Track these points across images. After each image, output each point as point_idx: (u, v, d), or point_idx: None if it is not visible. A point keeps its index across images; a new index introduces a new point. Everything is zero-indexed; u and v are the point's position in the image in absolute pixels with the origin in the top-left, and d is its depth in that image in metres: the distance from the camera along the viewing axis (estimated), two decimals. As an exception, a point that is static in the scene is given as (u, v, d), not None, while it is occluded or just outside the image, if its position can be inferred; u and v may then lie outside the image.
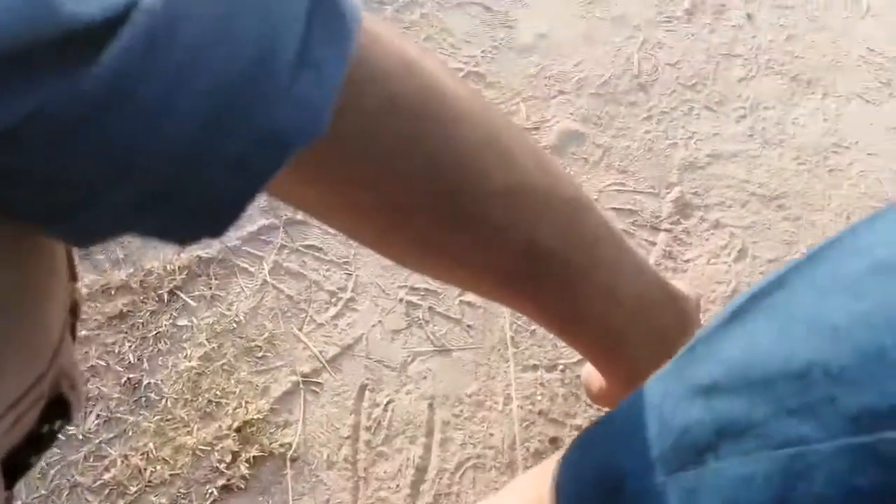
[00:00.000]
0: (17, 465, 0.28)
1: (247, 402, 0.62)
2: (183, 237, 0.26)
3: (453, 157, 0.31)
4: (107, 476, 0.56)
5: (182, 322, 0.66)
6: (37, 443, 0.28)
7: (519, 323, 0.69)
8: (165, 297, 0.67)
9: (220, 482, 0.58)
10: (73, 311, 0.31)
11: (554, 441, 0.63)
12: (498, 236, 0.35)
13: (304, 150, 0.24)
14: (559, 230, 0.37)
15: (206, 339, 0.65)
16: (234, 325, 0.66)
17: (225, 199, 0.24)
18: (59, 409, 0.29)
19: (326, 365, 0.66)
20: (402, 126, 0.29)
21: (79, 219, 0.22)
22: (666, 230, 0.76)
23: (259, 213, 0.73)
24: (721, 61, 0.90)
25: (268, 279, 0.69)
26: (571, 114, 0.84)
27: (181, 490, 0.58)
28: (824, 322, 0.24)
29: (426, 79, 0.30)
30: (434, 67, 0.32)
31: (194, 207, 0.23)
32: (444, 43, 0.89)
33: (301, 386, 0.64)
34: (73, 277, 0.31)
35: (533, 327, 0.69)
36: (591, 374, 0.55)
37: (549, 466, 0.41)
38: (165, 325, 0.65)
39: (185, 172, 0.22)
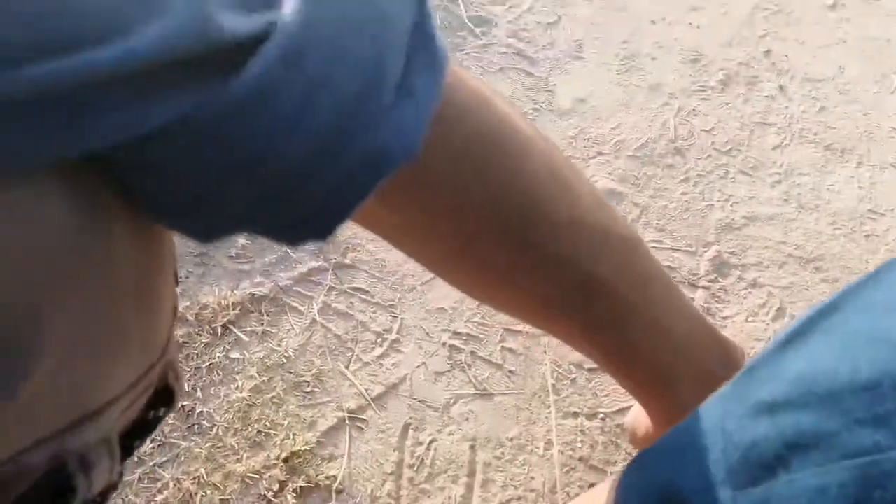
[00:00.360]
0: (123, 447, 0.30)
1: (294, 435, 0.63)
2: (291, 238, 0.28)
3: (523, 188, 0.34)
4: (159, 498, 0.58)
5: (234, 355, 0.68)
6: (142, 428, 0.30)
7: (560, 370, 0.70)
8: (219, 330, 0.69)
9: (266, 512, 0.59)
10: (174, 311, 0.34)
11: (594, 487, 0.64)
12: (559, 266, 0.37)
13: (396, 173, 0.27)
14: (616, 265, 0.39)
15: (257, 373, 0.67)
16: (284, 361, 0.69)
17: (330, 208, 0.26)
18: (164, 397, 0.31)
19: (372, 402, 0.67)
20: (480, 158, 0.32)
21: (203, 211, 0.25)
22: (704, 287, 0.78)
23: (310, 256, 0.76)
24: (755, 129, 0.93)
25: (317, 318, 0.72)
26: (610, 174, 0.87)
27: (227, 518, 0.59)
28: (886, 338, 0.26)
29: (500, 116, 0.33)
30: (505, 106, 0.35)
31: (302, 212, 0.26)
32: (489, 104, 0.94)
33: (347, 422, 0.66)
34: (176, 281, 0.34)
35: (574, 375, 0.70)
36: (637, 418, 0.56)
37: (600, 492, 0.42)
38: (219, 357, 0.68)
39: (300, 178, 0.25)
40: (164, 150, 0.22)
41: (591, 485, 0.64)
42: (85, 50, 0.18)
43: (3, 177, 0.19)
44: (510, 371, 0.70)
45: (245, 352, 0.69)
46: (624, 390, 0.57)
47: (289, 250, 0.75)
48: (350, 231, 0.77)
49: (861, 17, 1.10)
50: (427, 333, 0.72)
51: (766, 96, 0.98)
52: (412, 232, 0.36)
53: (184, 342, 0.68)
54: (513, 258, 0.37)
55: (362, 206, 0.27)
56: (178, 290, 0.35)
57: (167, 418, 0.38)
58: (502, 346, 0.71)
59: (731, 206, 0.85)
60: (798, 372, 0.29)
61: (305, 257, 0.76)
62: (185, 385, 0.66)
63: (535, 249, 0.37)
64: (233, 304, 0.71)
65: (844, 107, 0.97)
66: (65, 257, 0.21)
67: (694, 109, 0.95)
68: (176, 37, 0.19)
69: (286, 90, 0.22)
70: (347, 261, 0.76)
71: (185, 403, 0.65)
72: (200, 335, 0.69)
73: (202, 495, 0.59)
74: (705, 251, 0.80)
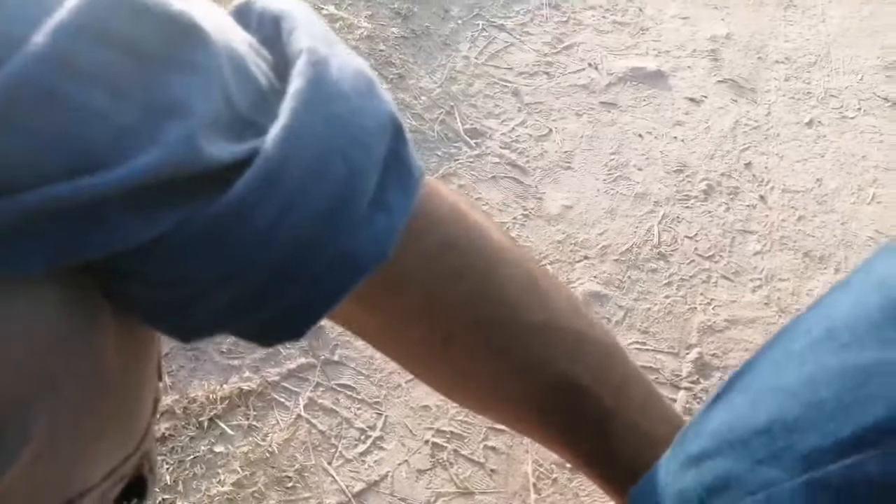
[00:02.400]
0: None
1: (272, 530, 0.63)
2: (265, 339, 0.30)
3: (495, 292, 0.36)
4: (131, 592, 0.57)
5: (219, 449, 0.69)
6: None
7: (541, 470, 0.70)
8: (206, 423, 0.70)
9: None
10: (155, 407, 0.35)
11: (574, 591, 0.63)
12: (534, 370, 0.38)
13: (372, 277, 0.29)
14: (592, 369, 0.40)
15: (240, 467, 0.68)
16: (268, 455, 0.69)
17: (305, 311, 0.29)
18: (137, 488, 0.32)
19: (353, 499, 0.67)
20: (453, 263, 0.34)
21: (183, 314, 0.27)
22: (686, 389, 0.79)
23: (299, 353, 0.78)
24: (736, 236, 0.96)
25: (302, 414, 0.73)
26: (595, 277, 0.90)
27: None
28: (781, 388, 0.30)
29: (473, 225, 0.36)
30: (480, 217, 0.37)
31: (279, 314, 0.28)
32: (479, 209, 0.98)
33: (326, 518, 0.65)
34: (160, 376, 0.36)
35: (555, 475, 0.70)
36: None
37: None
38: (203, 451, 0.68)
39: (278, 283, 0.27)
40: (151, 260, 0.25)
41: (572, 588, 0.63)
42: (83, 175, 0.21)
43: (4, 284, 0.22)
44: (492, 470, 0.70)
45: (230, 446, 0.70)
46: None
47: (279, 347, 0.77)
48: (339, 329, 0.79)
49: (836, 134, 1.16)
50: (410, 431, 0.73)
51: (747, 205, 1.01)
52: (388, 334, 0.38)
53: (170, 435, 0.69)
54: (487, 362, 0.38)
55: (335, 308, 0.29)
56: (161, 384, 0.37)
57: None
58: (485, 445, 0.72)
59: (713, 309, 0.87)
60: (719, 424, 0.32)
61: (294, 353, 0.78)
62: (168, 478, 0.66)
63: (509, 353, 0.38)
64: (221, 398, 0.73)
65: (823, 216, 1.00)
66: (54, 356, 0.24)
67: (678, 217, 0.99)
68: (167, 163, 0.22)
69: (264, 206, 0.25)
70: (335, 357, 0.78)
71: (165, 497, 0.65)
72: (187, 428, 0.70)
73: (175, 590, 0.58)
74: (688, 353, 0.82)
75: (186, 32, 0.23)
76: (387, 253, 0.29)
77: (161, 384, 0.36)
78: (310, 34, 0.26)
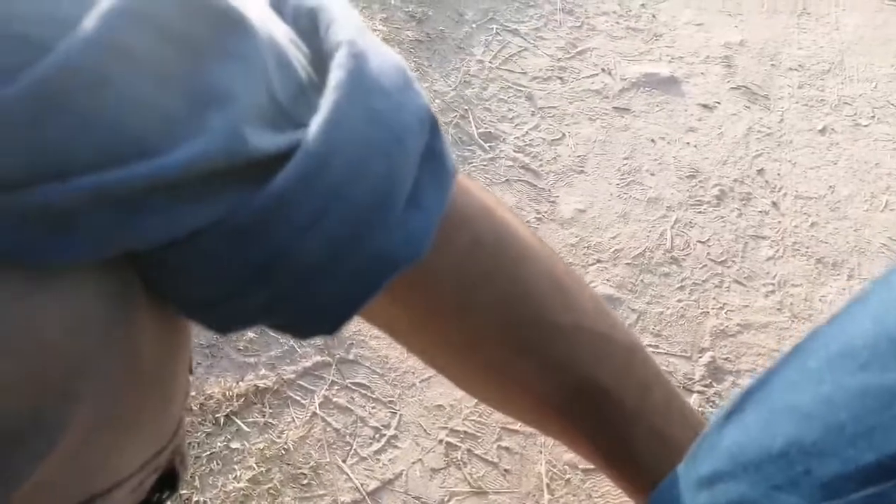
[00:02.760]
0: None
1: (288, 526, 0.64)
2: (301, 332, 0.30)
3: (523, 292, 0.36)
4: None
5: (235, 445, 0.70)
6: None
7: (555, 470, 0.71)
8: (222, 420, 0.71)
9: None
10: (185, 398, 0.36)
11: (586, 591, 0.63)
12: (560, 370, 0.38)
13: (404, 274, 0.29)
14: (616, 372, 0.40)
15: (256, 463, 0.69)
16: (283, 452, 0.70)
17: (339, 306, 0.29)
18: (169, 480, 0.33)
19: (367, 497, 0.68)
20: (483, 261, 0.35)
21: (223, 308, 0.28)
22: (699, 392, 0.79)
23: (314, 351, 0.79)
24: (749, 242, 0.97)
25: (317, 412, 0.74)
26: (608, 280, 0.90)
27: None
28: (796, 408, 0.29)
29: (503, 224, 0.36)
30: (508, 215, 0.37)
31: (313, 308, 0.29)
32: (493, 212, 0.98)
33: (341, 515, 0.66)
34: (190, 370, 0.36)
35: (568, 475, 0.71)
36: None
37: None
38: (219, 447, 0.69)
39: (314, 279, 0.27)
40: (192, 251, 0.25)
41: (584, 588, 0.63)
42: (134, 162, 0.21)
43: (48, 271, 0.22)
44: (505, 469, 0.71)
45: (245, 442, 0.70)
46: (619, 490, 0.57)
47: (294, 345, 0.78)
48: (354, 327, 0.80)
49: (849, 141, 1.16)
50: (425, 430, 0.73)
51: (760, 211, 1.02)
52: (417, 330, 0.38)
53: (187, 431, 0.70)
54: (515, 360, 0.38)
55: (369, 303, 0.29)
56: (191, 378, 0.37)
57: (168, 503, 0.40)
58: (499, 445, 0.72)
59: (726, 313, 0.87)
60: (731, 445, 0.32)
61: (310, 352, 0.79)
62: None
63: (536, 353, 0.38)
64: (237, 395, 0.73)
65: (836, 223, 1.00)
66: (95, 344, 0.24)
67: (690, 222, 0.99)
68: (212, 152, 0.22)
69: (305, 201, 0.25)
70: (350, 356, 0.79)
71: (183, 492, 0.66)
72: (203, 424, 0.71)
73: (192, 583, 0.59)
74: (700, 357, 0.82)
75: (233, 22, 0.23)
76: (422, 251, 0.29)
77: (192, 377, 0.36)
78: (347, 27, 0.27)
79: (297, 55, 0.26)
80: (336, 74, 0.25)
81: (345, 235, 0.26)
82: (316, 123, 0.25)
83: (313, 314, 0.29)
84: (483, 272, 0.34)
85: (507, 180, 1.05)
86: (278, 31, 0.26)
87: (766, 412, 0.30)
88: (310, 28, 0.27)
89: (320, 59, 0.26)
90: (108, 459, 0.28)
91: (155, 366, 0.28)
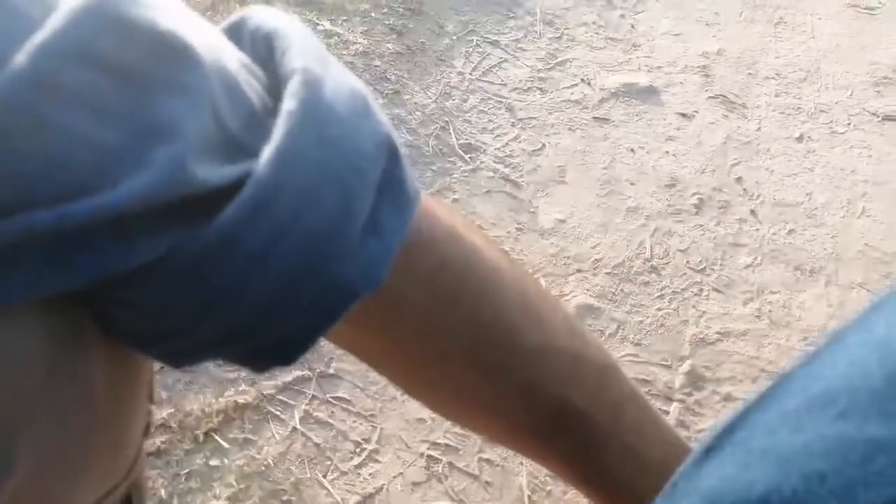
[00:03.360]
0: None
1: (268, 543, 0.64)
2: (256, 364, 0.30)
3: (491, 314, 0.36)
4: None
5: (214, 462, 0.69)
6: None
7: (536, 482, 0.71)
8: (201, 437, 0.71)
9: None
10: (146, 430, 0.35)
11: None
12: (530, 392, 0.38)
13: (367, 301, 0.29)
14: (587, 391, 0.39)
15: (235, 480, 0.68)
16: (263, 469, 0.69)
17: (297, 337, 0.29)
18: None
19: (347, 512, 0.67)
20: (448, 285, 0.34)
21: (174, 342, 0.27)
22: (679, 401, 0.79)
23: (294, 366, 0.78)
24: (728, 250, 0.97)
25: (298, 427, 0.73)
26: (588, 290, 0.90)
27: None
28: (775, 453, 0.28)
29: (470, 247, 0.35)
30: (477, 238, 0.37)
31: (270, 341, 0.28)
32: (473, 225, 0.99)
33: (321, 531, 0.66)
34: (151, 399, 0.35)
35: (549, 487, 0.71)
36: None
37: None
38: (198, 464, 0.69)
39: (268, 311, 0.27)
40: (139, 287, 0.24)
41: None
42: (72, 200, 0.21)
43: None
44: (487, 482, 0.71)
45: (225, 459, 0.70)
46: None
47: (274, 359, 0.77)
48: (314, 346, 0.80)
49: (826, 148, 1.17)
50: (405, 443, 0.73)
51: (738, 219, 1.03)
52: (384, 355, 0.37)
53: (165, 448, 0.69)
54: (483, 384, 0.38)
55: (327, 333, 0.29)
56: (153, 406, 0.37)
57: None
58: (480, 457, 0.72)
59: (705, 322, 0.88)
60: (709, 485, 0.31)
61: (290, 366, 0.78)
62: (163, 492, 0.66)
63: (506, 375, 0.37)
64: (216, 411, 0.73)
65: (813, 230, 1.01)
66: (39, 388, 0.23)
67: (669, 231, 1.00)
68: (155, 188, 0.22)
69: (256, 232, 0.24)
70: (331, 370, 0.78)
71: (161, 509, 0.65)
72: (182, 442, 0.70)
73: None
74: (680, 365, 0.82)
75: (175, 52, 0.22)
76: (380, 279, 0.28)
77: (153, 406, 0.35)
78: (304, 53, 0.26)
79: (251, 81, 0.26)
80: (288, 103, 0.25)
81: (299, 266, 0.26)
82: (266, 153, 0.24)
83: (269, 347, 0.28)
84: (449, 296, 0.34)
85: (487, 191, 1.06)
86: (228, 57, 0.25)
87: (744, 453, 0.29)
88: (266, 54, 0.27)
89: (277, 85, 0.26)
90: (56, 500, 0.27)
91: (109, 404, 0.27)
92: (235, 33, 0.28)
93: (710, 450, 0.32)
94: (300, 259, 0.26)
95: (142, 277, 0.24)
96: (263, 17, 0.28)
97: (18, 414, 0.23)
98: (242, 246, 0.24)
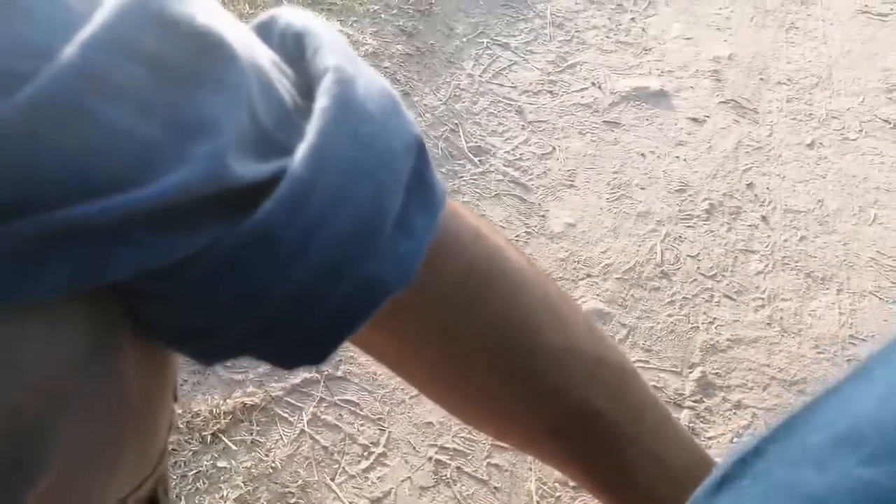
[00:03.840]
0: None
1: (275, 546, 0.63)
2: (287, 362, 0.30)
3: (517, 318, 0.35)
4: None
5: (222, 464, 0.69)
6: None
7: (545, 488, 0.70)
8: (209, 438, 0.70)
9: None
10: (170, 428, 0.35)
11: None
12: (553, 395, 0.38)
13: (394, 299, 0.29)
14: (609, 393, 0.39)
15: (243, 482, 0.68)
16: (271, 471, 0.69)
17: (327, 334, 0.28)
18: None
19: (355, 516, 0.67)
20: (474, 287, 0.34)
21: (208, 339, 0.27)
22: (689, 408, 0.79)
23: (302, 367, 0.78)
24: (739, 256, 0.97)
25: (306, 429, 0.73)
26: (598, 295, 0.90)
27: None
28: (798, 491, 0.27)
29: (495, 248, 0.35)
30: (500, 240, 0.37)
31: (301, 339, 0.28)
32: (483, 227, 0.98)
33: (328, 535, 0.65)
34: (175, 398, 0.35)
35: (558, 493, 0.70)
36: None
37: None
38: (206, 466, 0.68)
39: (302, 307, 0.27)
40: (176, 282, 0.24)
41: None
42: (114, 193, 0.21)
43: (25, 305, 0.21)
44: (495, 487, 0.70)
45: (233, 461, 0.70)
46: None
47: (283, 361, 0.77)
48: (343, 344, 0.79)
49: (838, 155, 1.17)
50: (414, 447, 0.73)
51: (749, 225, 1.02)
52: (406, 356, 0.37)
53: (173, 449, 0.69)
54: (504, 386, 0.37)
55: (357, 331, 0.29)
56: (175, 406, 0.37)
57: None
58: (488, 462, 0.72)
59: (716, 328, 0.87)
60: None
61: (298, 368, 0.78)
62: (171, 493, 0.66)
63: (528, 378, 0.37)
64: (224, 412, 0.73)
65: (824, 237, 1.01)
66: (75, 380, 0.23)
67: (680, 236, 0.99)
68: (194, 183, 0.22)
69: (291, 228, 0.24)
70: (339, 373, 0.78)
71: (168, 511, 0.65)
72: (190, 443, 0.70)
73: None
74: (690, 372, 0.82)
75: (214, 48, 0.22)
76: (411, 276, 0.28)
77: (175, 404, 0.35)
78: (335, 52, 0.26)
79: (282, 80, 0.26)
80: (322, 100, 0.25)
81: (332, 262, 0.26)
82: (302, 150, 0.24)
83: (300, 344, 0.28)
84: (473, 298, 0.34)
85: (496, 194, 1.05)
86: (262, 56, 0.25)
87: (763, 488, 0.28)
88: (297, 53, 0.27)
89: (307, 84, 0.26)
90: (90, 493, 0.27)
91: (140, 400, 0.28)
92: (265, 32, 0.28)
93: (727, 478, 0.32)
94: (333, 255, 0.26)
95: (180, 271, 0.24)
96: (292, 16, 0.28)
97: (56, 407, 0.23)
98: (279, 241, 0.24)
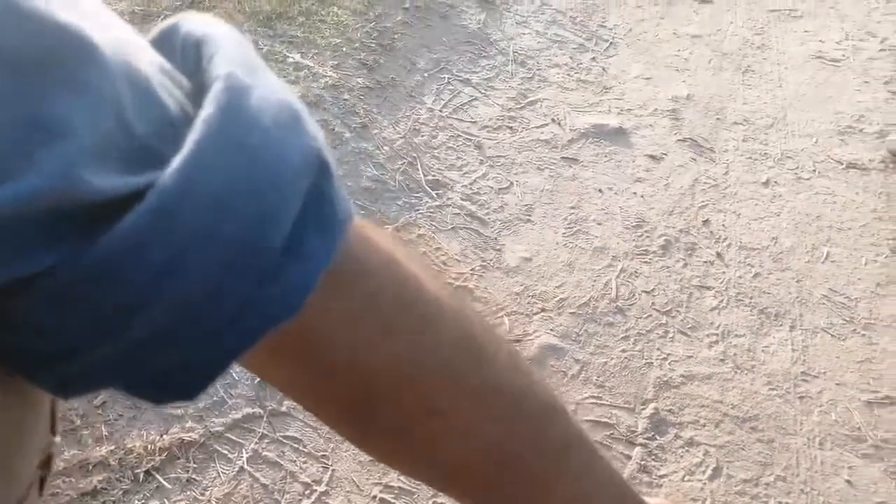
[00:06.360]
0: None
1: (205, 591, 0.60)
2: (155, 396, 0.27)
3: (426, 351, 0.33)
4: None
5: (154, 503, 0.66)
6: None
7: (492, 528, 0.68)
8: (141, 476, 0.67)
9: None
10: (47, 463, 0.32)
11: None
12: (466, 436, 0.35)
13: (289, 328, 0.26)
14: (530, 435, 0.37)
15: (174, 523, 0.65)
16: (205, 510, 0.66)
17: (199, 367, 0.26)
18: None
19: (292, 558, 0.64)
20: (381, 318, 0.32)
21: (64, 365, 0.24)
22: (641, 445, 0.77)
23: (245, 402, 0.75)
24: (694, 292, 0.97)
25: (245, 467, 0.70)
26: (552, 330, 0.89)
27: None
28: None
29: (407, 277, 0.33)
30: (417, 268, 0.35)
31: (172, 368, 0.25)
32: (437, 260, 0.97)
33: (263, 578, 0.62)
34: (53, 430, 0.32)
35: (505, 534, 0.68)
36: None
37: None
38: (136, 505, 0.65)
39: (168, 335, 0.24)
40: (21, 303, 0.22)
41: None
42: None
43: None
44: (441, 528, 0.68)
45: (166, 500, 0.66)
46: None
47: (224, 395, 0.74)
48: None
49: (792, 194, 1.18)
50: (357, 486, 0.70)
51: (705, 261, 1.02)
52: (309, 390, 0.35)
53: (102, 488, 0.66)
54: (414, 425, 0.35)
55: (233, 365, 0.26)
56: (57, 438, 0.34)
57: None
58: (434, 501, 0.70)
59: (670, 364, 0.86)
60: None
61: (241, 403, 0.75)
62: (96, 533, 0.63)
63: (440, 416, 0.35)
64: (160, 448, 0.69)
65: (778, 274, 1.01)
66: None
67: (636, 272, 0.99)
68: (41, 193, 0.19)
69: (156, 247, 0.22)
70: (283, 408, 0.75)
71: (92, 553, 0.61)
72: (121, 481, 0.67)
73: None
74: (643, 408, 0.81)
75: (74, 46, 0.20)
76: (297, 307, 0.26)
77: (56, 437, 0.32)
78: (230, 60, 0.25)
79: (170, 87, 0.24)
80: (207, 109, 0.23)
81: (206, 281, 0.23)
82: (176, 160, 0.22)
83: (171, 375, 0.25)
84: (381, 329, 0.32)
85: (453, 227, 1.04)
86: (145, 62, 0.23)
87: None
88: (194, 61, 0.25)
89: (201, 93, 0.24)
90: None
91: None
92: (166, 39, 0.26)
93: None
94: (209, 277, 0.23)
95: (24, 292, 0.21)
96: (194, 23, 0.26)
97: None
98: (140, 260, 0.22)
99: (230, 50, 0.25)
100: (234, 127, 0.23)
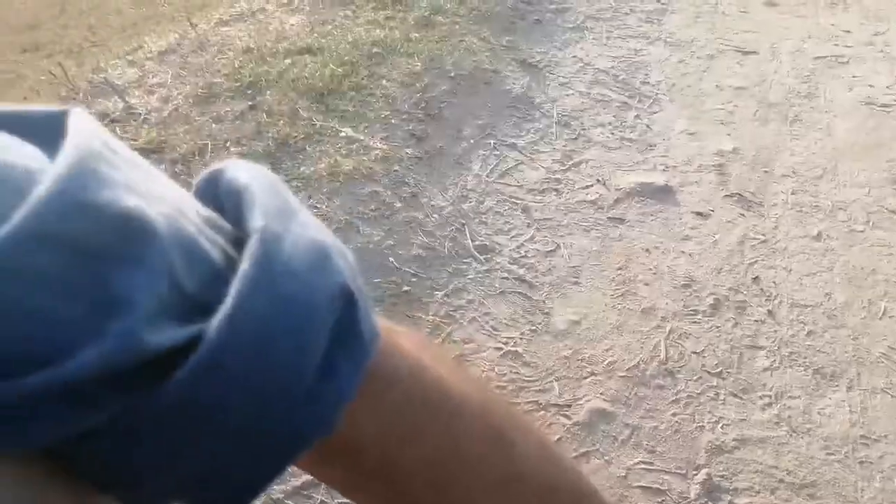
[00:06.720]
0: None
1: None
2: None
3: (452, 451, 0.36)
4: None
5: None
6: None
7: None
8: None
9: None
10: None
11: None
12: None
13: (325, 441, 0.30)
14: None
15: None
16: (265, 582, 0.68)
17: (246, 485, 0.30)
18: None
19: None
20: (409, 423, 0.35)
21: (131, 491, 0.28)
22: (695, 512, 0.77)
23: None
24: (745, 352, 0.96)
25: (303, 537, 0.72)
26: (601, 394, 0.89)
27: None
28: None
29: (434, 381, 0.36)
30: (445, 370, 0.38)
31: (220, 492, 0.29)
32: (486, 325, 0.99)
33: None
34: None
35: None
36: None
37: None
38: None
39: (218, 466, 0.28)
40: (93, 444, 0.26)
41: None
42: (24, 374, 0.22)
43: None
44: None
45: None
46: None
47: (282, 466, 0.77)
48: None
49: (845, 247, 1.17)
50: (411, 556, 0.72)
51: (755, 320, 1.01)
52: (353, 490, 0.38)
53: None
54: None
55: (275, 480, 0.30)
56: None
57: None
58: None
59: (722, 428, 0.86)
60: None
61: (299, 470, 0.78)
62: None
63: None
64: (222, 520, 0.72)
65: (833, 331, 1.00)
66: None
67: (685, 332, 0.99)
68: (108, 358, 0.23)
69: (206, 394, 0.26)
70: (339, 478, 0.78)
71: None
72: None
73: None
74: (696, 474, 0.80)
75: (134, 229, 0.24)
76: (332, 425, 0.29)
77: None
78: (265, 212, 0.28)
79: (216, 238, 0.27)
80: (244, 264, 0.27)
81: (250, 419, 0.27)
82: (218, 316, 0.26)
83: (220, 496, 0.29)
84: (409, 434, 0.34)
85: (501, 292, 1.06)
86: (190, 220, 0.27)
87: None
88: (235, 208, 0.29)
89: (241, 241, 0.28)
90: None
91: None
92: (212, 185, 0.30)
93: None
94: (251, 414, 0.27)
95: (96, 436, 0.25)
96: (236, 170, 0.30)
97: None
98: (193, 407, 0.25)
99: (265, 201, 0.29)
100: (269, 279, 0.27)
